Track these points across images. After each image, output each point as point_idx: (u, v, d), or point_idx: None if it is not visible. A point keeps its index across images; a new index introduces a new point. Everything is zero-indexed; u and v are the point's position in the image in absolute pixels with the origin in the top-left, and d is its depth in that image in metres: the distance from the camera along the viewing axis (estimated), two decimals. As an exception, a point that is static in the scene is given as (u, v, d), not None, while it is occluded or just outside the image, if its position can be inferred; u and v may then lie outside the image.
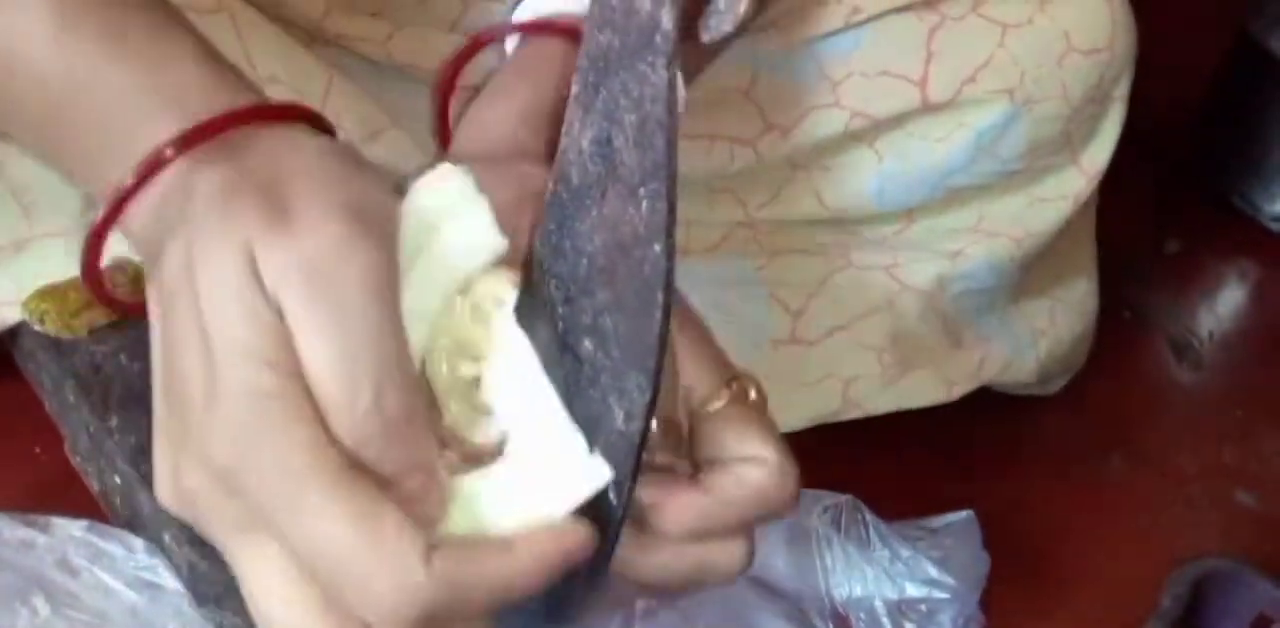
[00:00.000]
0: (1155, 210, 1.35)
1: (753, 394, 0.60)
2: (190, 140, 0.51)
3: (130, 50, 0.54)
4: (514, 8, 0.73)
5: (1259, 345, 1.24)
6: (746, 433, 0.59)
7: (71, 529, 0.82)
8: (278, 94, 0.79)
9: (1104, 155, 0.98)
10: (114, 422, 0.83)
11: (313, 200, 0.49)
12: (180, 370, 0.49)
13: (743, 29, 0.67)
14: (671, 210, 0.49)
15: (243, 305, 0.47)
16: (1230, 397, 1.17)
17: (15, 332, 0.90)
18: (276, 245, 0.47)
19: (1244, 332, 1.26)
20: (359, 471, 0.47)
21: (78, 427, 0.86)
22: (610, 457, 0.53)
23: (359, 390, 0.47)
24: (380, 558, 0.46)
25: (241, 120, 0.52)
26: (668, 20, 0.46)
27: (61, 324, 0.87)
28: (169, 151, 0.51)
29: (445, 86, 0.63)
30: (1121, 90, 0.96)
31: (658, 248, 0.49)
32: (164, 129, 0.51)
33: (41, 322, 0.87)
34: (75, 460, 0.88)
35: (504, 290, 0.55)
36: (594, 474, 0.52)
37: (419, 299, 0.52)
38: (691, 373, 0.58)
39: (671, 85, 0.47)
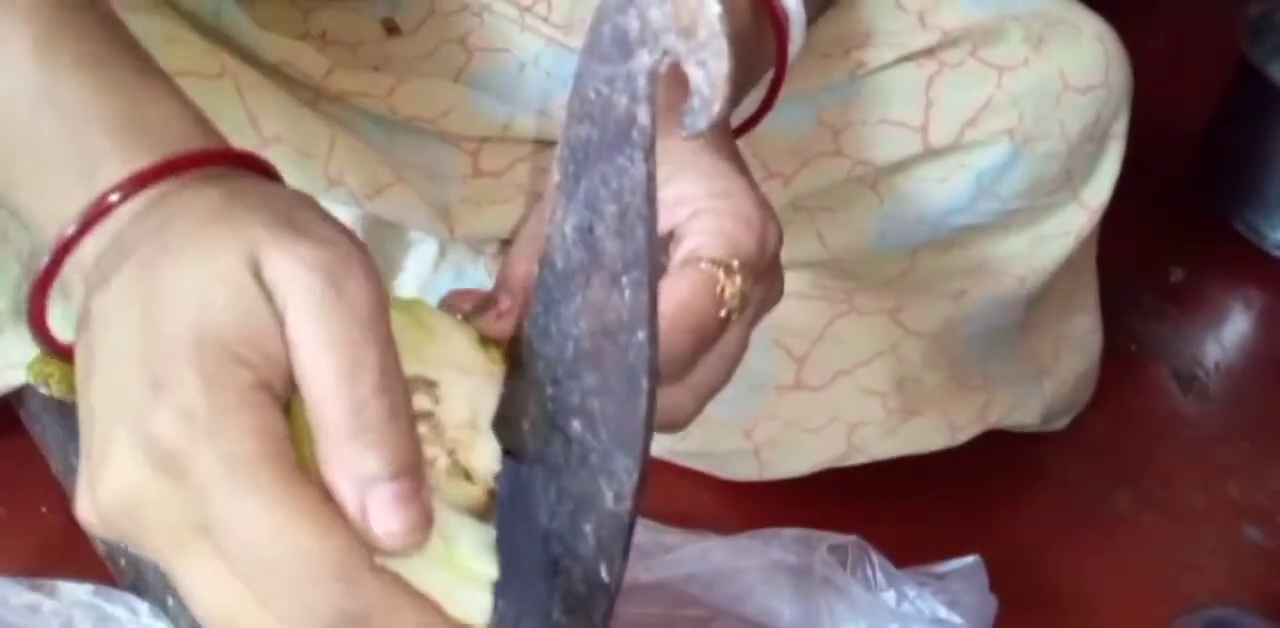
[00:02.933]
0: (1159, 239, 1.35)
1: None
2: (172, 167, 0.50)
3: (110, 79, 0.53)
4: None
5: (1265, 376, 1.24)
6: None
7: (77, 593, 0.82)
8: (282, 154, 0.80)
9: (1104, 191, 0.98)
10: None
11: (321, 221, 0.49)
12: (120, 374, 0.47)
13: (722, 126, 0.68)
14: (653, 299, 0.49)
15: (242, 300, 0.46)
16: (1237, 429, 1.16)
17: (21, 393, 0.91)
18: (288, 248, 0.47)
19: (1249, 362, 1.25)
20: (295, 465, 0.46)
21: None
22: (601, 535, 0.53)
23: (361, 391, 0.46)
24: (326, 554, 0.45)
25: (222, 159, 0.52)
26: (645, 116, 0.47)
27: (66, 387, 0.87)
28: (148, 174, 0.50)
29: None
30: (1119, 127, 0.96)
31: (641, 335, 0.49)
32: (142, 156, 0.51)
33: (46, 384, 0.87)
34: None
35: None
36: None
37: None
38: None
39: (650, 177, 0.48)
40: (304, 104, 0.83)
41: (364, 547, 0.46)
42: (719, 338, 0.61)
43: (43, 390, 0.87)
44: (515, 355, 0.57)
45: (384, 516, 0.46)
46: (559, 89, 0.89)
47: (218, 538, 0.45)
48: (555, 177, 0.52)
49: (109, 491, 0.46)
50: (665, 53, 0.46)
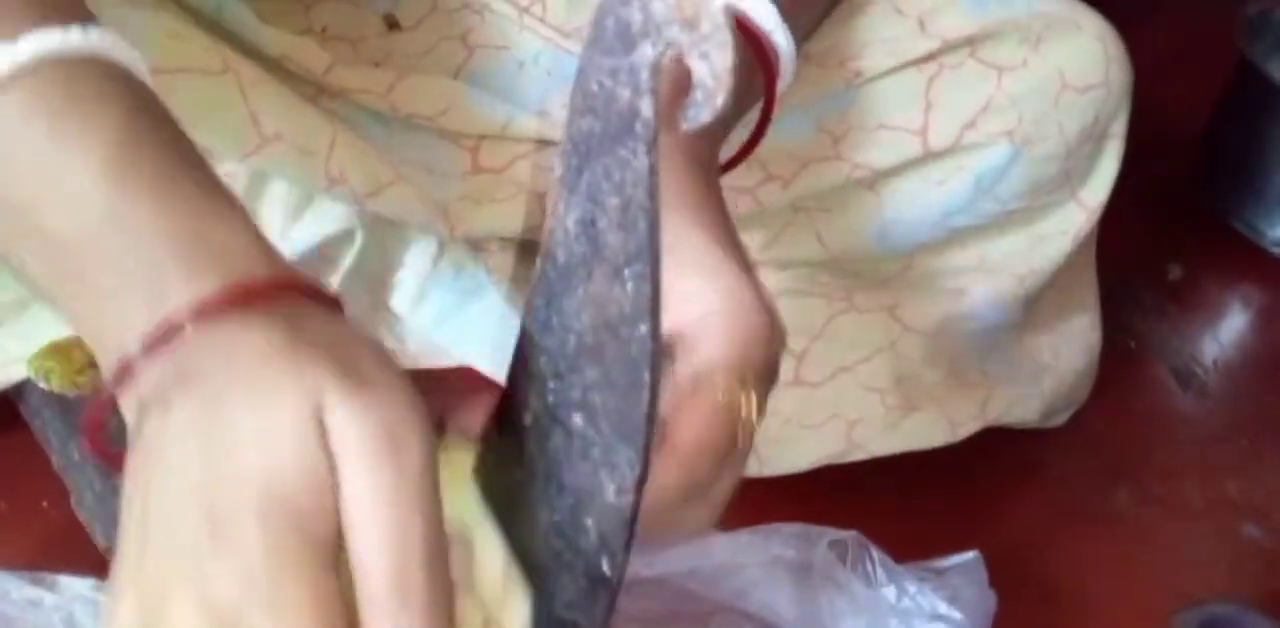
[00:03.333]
0: (1157, 237, 1.35)
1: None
2: (241, 298, 0.49)
3: (180, 198, 0.52)
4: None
5: (1263, 374, 1.24)
6: None
7: (79, 588, 0.82)
8: (283, 152, 0.80)
9: (1103, 191, 0.98)
10: (119, 479, 0.84)
11: (383, 367, 0.49)
12: (178, 511, 0.47)
13: (724, 121, 0.68)
14: (656, 292, 0.49)
15: (305, 450, 0.46)
16: (1235, 427, 1.17)
17: (22, 388, 0.91)
18: (352, 398, 0.47)
19: (1248, 359, 1.25)
20: None
21: (83, 483, 0.87)
22: (603, 529, 0.53)
23: (408, 556, 0.47)
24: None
25: (288, 287, 0.51)
26: (647, 109, 0.47)
27: (67, 382, 0.87)
28: (215, 302, 0.49)
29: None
30: (1118, 126, 0.96)
31: (643, 328, 0.49)
32: (209, 281, 0.49)
33: (46, 379, 0.87)
34: (82, 515, 0.89)
35: None
36: None
37: None
38: None
39: (653, 170, 0.48)
40: (305, 100, 0.83)
41: None
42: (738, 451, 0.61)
43: (43, 385, 0.88)
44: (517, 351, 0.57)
45: None
46: (559, 89, 0.89)
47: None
48: (557, 170, 0.52)
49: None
50: (668, 45, 0.46)
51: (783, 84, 0.75)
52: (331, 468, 0.46)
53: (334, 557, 0.47)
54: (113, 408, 0.51)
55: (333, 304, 0.52)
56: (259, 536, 0.45)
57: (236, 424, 0.46)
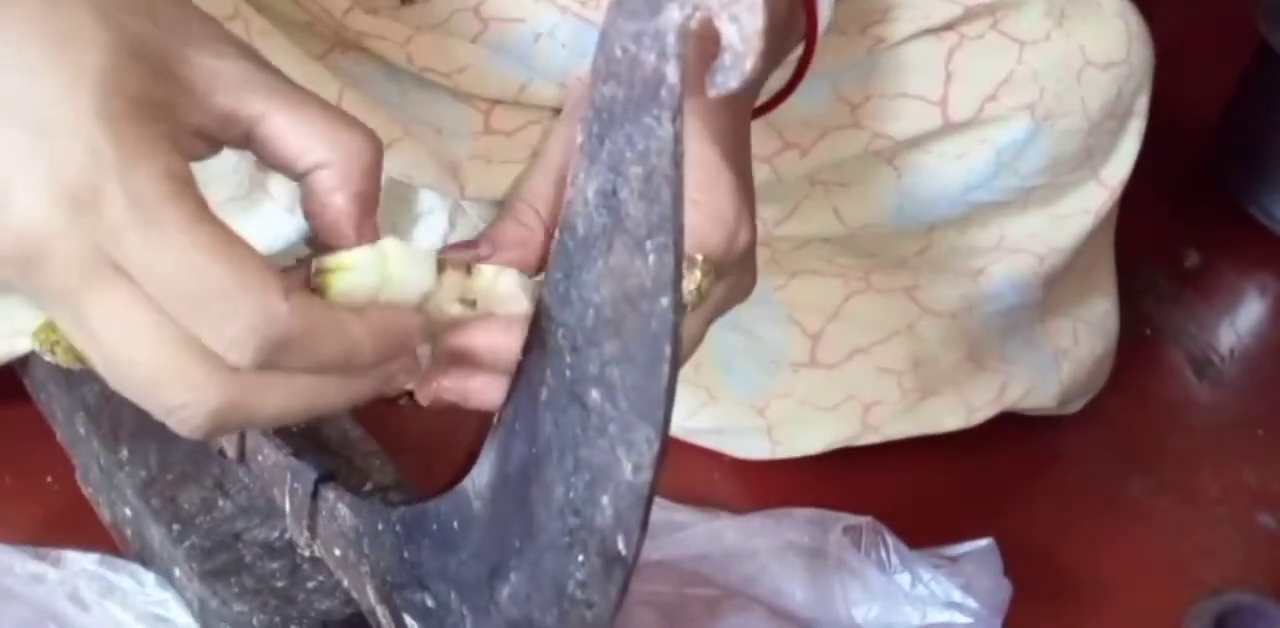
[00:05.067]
0: (1174, 223, 1.34)
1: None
2: None
3: None
4: None
5: (1280, 362, 1.23)
6: None
7: (83, 563, 0.82)
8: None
9: (1124, 169, 0.97)
10: (124, 454, 0.83)
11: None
12: (14, 113, 0.48)
13: (752, 86, 0.67)
14: (678, 264, 0.48)
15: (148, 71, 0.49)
16: (1251, 415, 1.15)
17: (26, 361, 0.90)
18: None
19: (1265, 348, 1.24)
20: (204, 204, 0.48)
21: (88, 458, 0.86)
22: (619, 507, 0.52)
23: None
24: (243, 285, 0.47)
25: None
26: (673, 74, 0.46)
27: (71, 355, 0.86)
28: None
29: None
30: (1140, 105, 0.96)
31: (665, 302, 0.48)
32: None
33: (52, 352, 0.86)
34: (87, 490, 0.88)
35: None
36: None
37: None
38: None
39: (678, 139, 0.46)
40: (314, 58, 0.82)
41: (279, 278, 0.48)
42: None
43: (48, 358, 0.86)
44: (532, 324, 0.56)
45: None
46: (576, 62, 0.88)
47: (134, 275, 0.47)
48: (578, 138, 0.51)
49: (12, 230, 0.47)
50: (695, 8, 0.44)
51: (823, 25, 0.74)
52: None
53: (185, 156, 0.49)
54: None
55: None
56: (104, 128, 0.47)
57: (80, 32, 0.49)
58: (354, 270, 0.53)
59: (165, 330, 0.47)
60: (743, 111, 0.72)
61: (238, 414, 0.49)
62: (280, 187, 0.81)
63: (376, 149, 0.55)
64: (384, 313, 0.53)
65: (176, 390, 0.48)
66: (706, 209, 0.63)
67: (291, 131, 0.54)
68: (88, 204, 0.46)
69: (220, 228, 0.48)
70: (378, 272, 0.54)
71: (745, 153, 0.69)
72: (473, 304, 0.57)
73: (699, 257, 0.61)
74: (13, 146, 0.47)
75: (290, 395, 0.50)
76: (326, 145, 0.54)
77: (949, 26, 0.90)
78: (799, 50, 0.79)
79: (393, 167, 0.83)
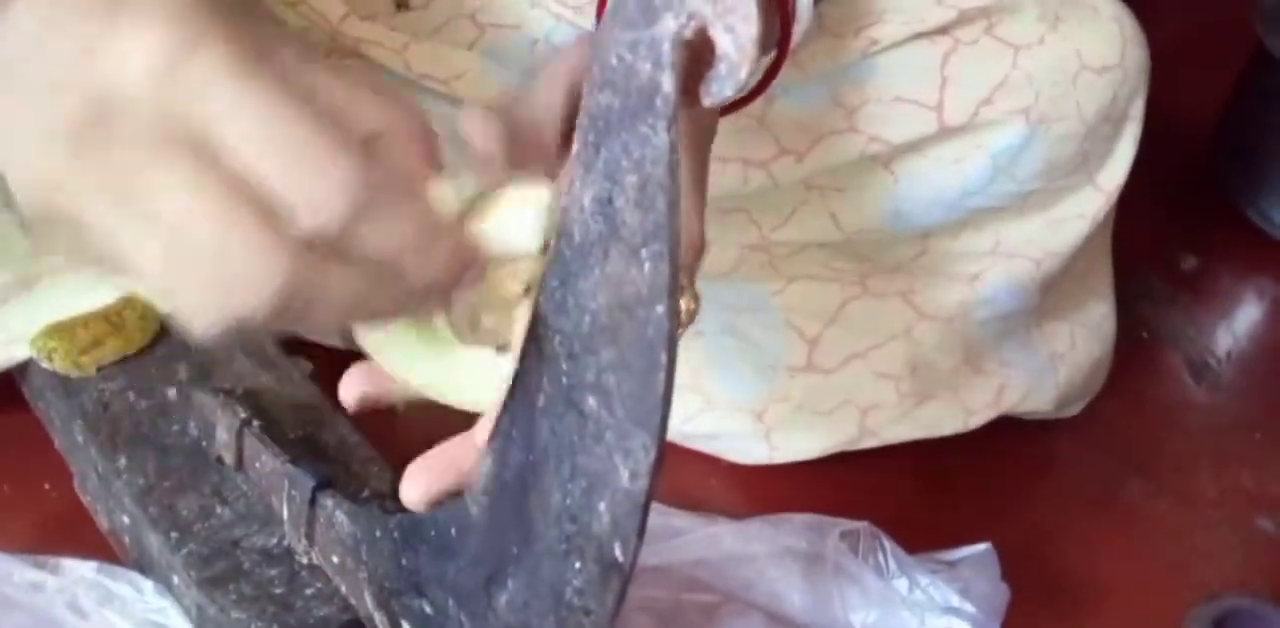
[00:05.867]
0: (1171, 226, 1.34)
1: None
2: None
3: None
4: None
5: (1278, 364, 1.23)
6: None
7: (81, 571, 0.82)
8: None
9: (1120, 174, 0.97)
10: (122, 462, 0.83)
11: None
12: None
13: (746, 94, 0.67)
14: (674, 272, 0.48)
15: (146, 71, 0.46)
16: (1249, 419, 1.15)
17: (24, 368, 0.90)
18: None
19: (1262, 350, 1.24)
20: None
21: (86, 465, 0.86)
22: (616, 514, 0.52)
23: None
24: (336, 142, 0.46)
25: None
26: (668, 84, 0.46)
27: (69, 362, 0.87)
28: None
29: None
30: (1136, 109, 0.96)
31: (660, 309, 0.48)
32: None
33: (50, 359, 0.87)
34: (85, 498, 0.88)
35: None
36: None
37: None
38: None
39: (673, 147, 0.47)
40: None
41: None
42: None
43: (45, 366, 0.87)
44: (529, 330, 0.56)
45: None
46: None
47: (218, 134, 0.45)
48: (575, 146, 0.51)
49: (92, 86, 0.45)
50: (691, 17, 0.45)
51: (798, 30, 0.74)
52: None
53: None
54: None
55: None
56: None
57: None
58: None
59: (237, 197, 0.45)
60: (703, 120, 0.72)
61: (300, 297, 0.47)
62: None
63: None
64: (466, 234, 0.52)
65: (246, 262, 0.46)
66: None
67: None
68: (181, 60, 0.45)
69: (291, 87, 0.47)
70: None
71: (704, 163, 0.68)
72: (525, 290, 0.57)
73: (684, 282, 0.60)
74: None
75: (348, 284, 0.48)
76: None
77: (943, 31, 0.91)
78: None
79: None
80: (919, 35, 0.90)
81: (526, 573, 0.58)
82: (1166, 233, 1.33)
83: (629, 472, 0.51)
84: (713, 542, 0.92)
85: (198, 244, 0.45)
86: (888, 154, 0.93)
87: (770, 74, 0.74)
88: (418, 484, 0.60)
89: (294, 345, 0.90)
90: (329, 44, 0.85)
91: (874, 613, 0.89)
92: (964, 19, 0.90)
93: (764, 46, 0.72)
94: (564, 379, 0.54)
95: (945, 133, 0.92)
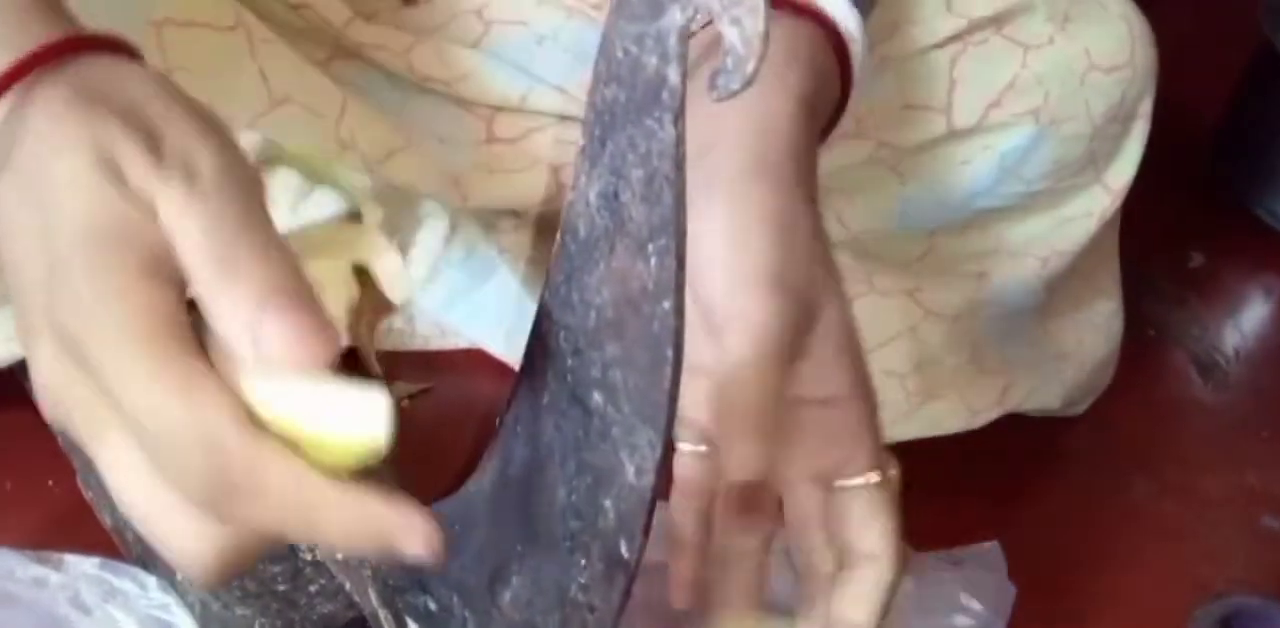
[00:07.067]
0: (1178, 224, 1.34)
1: (891, 473, 0.65)
2: (28, 62, 0.50)
3: None
4: None
5: (1284, 364, 1.23)
6: (870, 524, 0.64)
7: (84, 567, 0.81)
8: (291, 113, 0.79)
9: (1128, 173, 0.97)
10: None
11: (169, 105, 0.49)
12: (19, 257, 0.48)
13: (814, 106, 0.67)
14: (680, 267, 0.48)
15: (103, 195, 0.46)
16: (1256, 417, 1.15)
17: (26, 365, 0.90)
18: (142, 146, 0.47)
19: (1269, 350, 1.24)
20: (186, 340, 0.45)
21: (88, 462, 0.85)
22: (621, 510, 0.52)
23: (222, 238, 0.46)
24: (194, 423, 0.44)
25: (70, 46, 0.51)
26: (675, 77, 0.45)
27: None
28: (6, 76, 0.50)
29: None
30: (1144, 107, 0.95)
31: (667, 305, 0.48)
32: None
33: (53, 356, 0.86)
34: (88, 494, 0.88)
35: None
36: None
37: None
38: (849, 447, 0.65)
39: (679, 141, 0.46)
40: (316, 65, 0.82)
41: (240, 411, 0.45)
42: None
43: (50, 362, 0.87)
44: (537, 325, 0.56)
45: (273, 333, 0.45)
46: (579, 66, 0.88)
47: (122, 417, 0.46)
48: (580, 141, 0.51)
49: (40, 382, 0.48)
50: (697, 10, 0.44)
51: (857, 68, 0.74)
52: (146, 210, 0.46)
53: (162, 275, 0.46)
54: None
55: (119, 49, 0.52)
56: (82, 270, 0.45)
57: (49, 177, 0.47)
58: None
59: (157, 482, 0.46)
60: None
61: (239, 557, 0.47)
62: (280, 186, 0.81)
63: None
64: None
65: (173, 544, 0.46)
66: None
67: None
68: (77, 353, 0.46)
69: (187, 364, 0.45)
70: None
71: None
72: None
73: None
74: (31, 281, 0.47)
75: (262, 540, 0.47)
76: None
77: (955, 37, 0.90)
78: None
79: (395, 177, 0.83)
80: (931, 47, 0.90)
81: (531, 570, 0.57)
82: (1174, 231, 1.33)
83: (635, 468, 0.51)
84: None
85: (141, 525, 0.47)
86: (895, 157, 0.93)
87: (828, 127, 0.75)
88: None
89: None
90: (334, 46, 0.85)
91: (880, 612, 0.89)
92: (974, 26, 0.90)
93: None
94: (569, 375, 0.53)
95: (954, 135, 0.92)
